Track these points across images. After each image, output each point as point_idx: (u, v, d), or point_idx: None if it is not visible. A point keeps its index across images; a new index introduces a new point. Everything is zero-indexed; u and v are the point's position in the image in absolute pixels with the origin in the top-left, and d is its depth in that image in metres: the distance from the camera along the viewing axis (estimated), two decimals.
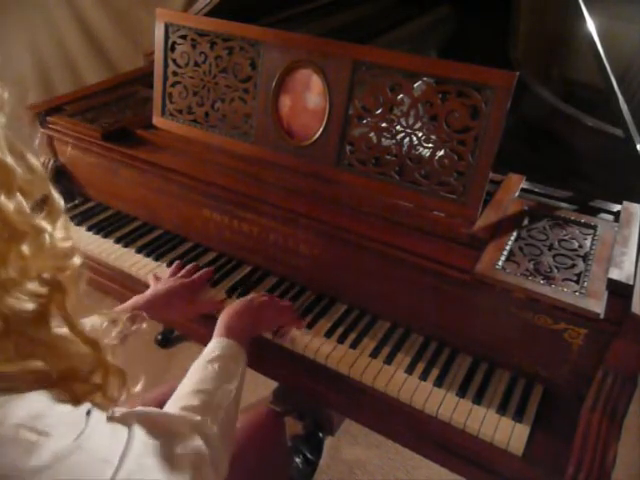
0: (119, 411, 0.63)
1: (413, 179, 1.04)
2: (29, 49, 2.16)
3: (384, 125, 1.05)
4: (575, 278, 0.89)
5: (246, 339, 0.94)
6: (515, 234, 0.98)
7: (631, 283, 0.86)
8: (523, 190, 1.12)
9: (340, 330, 1.07)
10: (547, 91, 1.53)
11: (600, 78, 1.14)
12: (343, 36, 1.15)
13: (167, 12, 1.25)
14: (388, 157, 1.06)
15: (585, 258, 0.93)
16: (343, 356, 1.02)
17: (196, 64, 1.23)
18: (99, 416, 0.58)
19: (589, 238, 0.98)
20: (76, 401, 0.56)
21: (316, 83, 1.09)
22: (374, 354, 1.02)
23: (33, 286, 0.50)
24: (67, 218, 0.56)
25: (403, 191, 1.05)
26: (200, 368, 0.84)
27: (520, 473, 0.86)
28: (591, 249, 0.95)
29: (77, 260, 0.56)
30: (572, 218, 1.02)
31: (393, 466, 1.68)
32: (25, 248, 0.49)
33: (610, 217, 1.07)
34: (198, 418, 0.73)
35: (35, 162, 0.52)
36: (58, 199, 0.55)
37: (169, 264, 1.23)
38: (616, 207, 1.08)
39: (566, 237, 0.98)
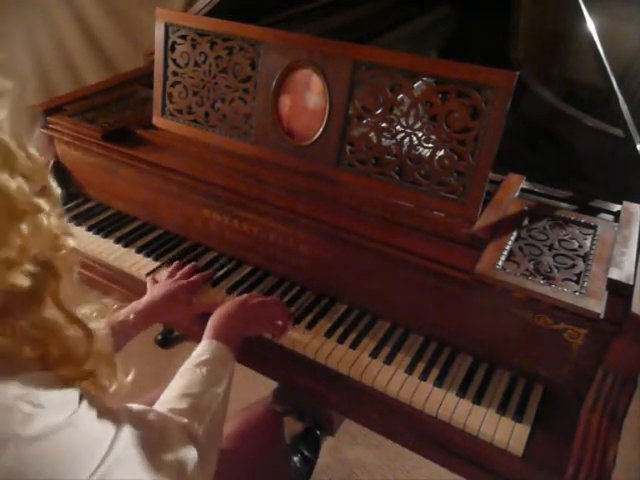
0: (112, 406, 0.64)
1: (413, 179, 1.04)
2: (29, 49, 2.16)
3: (384, 125, 1.05)
4: (575, 278, 0.89)
5: (235, 342, 0.94)
6: (515, 234, 0.98)
7: (631, 283, 0.86)
8: (523, 190, 1.12)
9: (340, 330, 1.07)
10: (547, 91, 1.53)
11: (600, 78, 1.14)
12: (343, 36, 1.16)
13: (167, 12, 1.25)
14: (388, 157, 1.06)
15: (585, 258, 0.93)
16: (343, 356, 1.02)
17: (196, 64, 1.23)
18: (89, 404, 0.59)
19: (589, 238, 0.98)
20: (68, 385, 0.57)
21: (316, 83, 1.09)
22: (374, 354, 1.02)
23: (30, 266, 0.52)
24: (62, 209, 0.58)
25: (403, 191, 1.05)
26: (188, 371, 0.85)
27: (520, 473, 0.86)
28: (591, 249, 0.95)
29: (71, 242, 0.58)
30: (572, 218, 1.02)
31: (393, 466, 1.68)
32: (24, 227, 0.51)
33: (610, 217, 1.07)
34: (186, 421, 0.74)
35: (35, 152, 0.54)
36: (55, 188, 0.57)
37: (169, 264, 1.23)
38: (616, 207, 1.08)
39: (566, 237, 0.98)
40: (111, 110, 1.42)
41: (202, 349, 0.90)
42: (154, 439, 0.65)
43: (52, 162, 1.44)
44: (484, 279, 0.89)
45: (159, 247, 1.29)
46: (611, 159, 1.24)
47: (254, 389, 1.60)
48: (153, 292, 1.09)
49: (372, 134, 1.06)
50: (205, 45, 1.21)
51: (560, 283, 0.87)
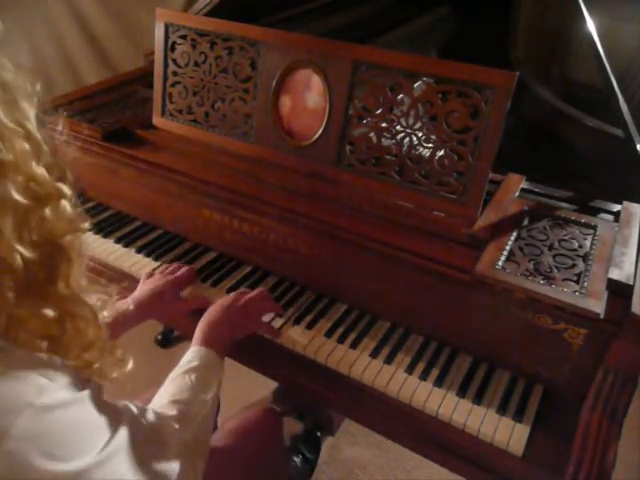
0: (115, 403, 0.65)
1: (413, 179, 1.04)
2: (29, 49, 2.16)
3: (384, 125, 1.05)
4: (575, 278, 0.89)
5: (224, 347, 0.96)
6: (515, 234, 0.98)
7: (631, 283, 0.86)
8: (523, 190, 1.12)
9: (340, 330, 1.07)
10: (547, 91, 1.53)
11: (600, 78, 1.14)
12: (343, 36, 1.16)
13: (167, 12, 1.25)
14: (388, 157, 1.06)
15: (585, 258, 0.93)
16: (343, 356, 1.02)
17: (196, 64, 1.23)
18: (94, 395, 0.61)
19: (589, 238, 0.98)
20: (75, 371, 0.60)
21: (316, 83, 1.09)
22: (374, 354, 1.02)
23: (48, 247, 0.56)
24: (76, 200, 0.62)
25: (403, 191, 1.05)
26: (178, 378, 0.86)
27: (520, 473, 0.86)
28: (591, 249, 0.95)
29: (86, 225, 0.63)
30: (572, 218, 1.02)
31: (393, 466, 1.68)
32: (48, 211, 0.55)
33: (610, 217, 1.07)
34: (176, 426, 0.75)
35: (53, 149, 0.59)
36: (71, 179, 0.61)
37: (169, 264, 1.23)
38: (616, 207, 1.08)
39: (566, 237, 0.98)
40: (111, 110, 1.42)
41: (191, 356, 0.91)
42: (148, 444, 0.66)
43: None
44: (484, 279, 0.89)
45: (159, 247, 1.29)
46: (611, 159, 1.24)
47: (254, 389, 1.60)
48: (142, 288, 1.09)
49: (372, 134, 1.06)
50: (205, 45, 1.21)
51: (560, 283, 0.87)
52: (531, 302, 0.88)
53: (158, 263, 1.24)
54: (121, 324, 1.00)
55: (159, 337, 2.06)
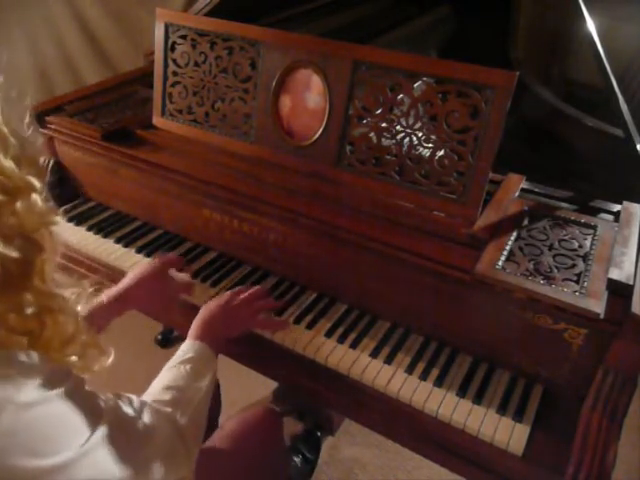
0: (101, 397, 0.65)
1: (413, 179, 1.04)
2: (29, 49, 2.16)
3: (384, 125, 1.05)
4: (575, 278, 0.89)
5: (218, 343, 0.97)
6: (515, 234, 0.98)
7: (631, 283, 0.86)
8: (523, 190, 1.12)
9: (340, 330, 1.07)
10: (547, 91, 1.53)
11: (600, 78, 1.14)
12: (343, 36, 1.15)
13: (167, 12, 1.25)
14: (388, 157, 1.06)
15: (585, 258, 0.93)
16: (343, 356, 1.02)
17: (196, 64, 1.23)
18: (75, 392, 0.60)
19: (589, 238, 0.98)
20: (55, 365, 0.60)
21: (316, 83, 1.09)
22: (374, 354, 1.02)
23: (21, 241, 0.55)
24: (47, 194, 0.61)
25: (403, 191, 1.05)
26: (172, 368, 0.88)
27: (520, 473, 0.86)
28: (591, 249, 0.95)
29: (58, 219, 0.62)
30: (572, 218, 1.02)
31: (393, 466, 1.68)
32: (19, 204, 0.55)
33: (610, 217, 1.07)
34: (169, 410, 0.77)
35: (27, 142, 0.58)
36: (43, 173, 0.60)
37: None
38: (616, 207, 1.08)
39: (566, 237, 0.98)
40: (111, 110, 1.42)
41: (186, 348, 0.93)
42: (133, 436, 0.67)
43: (52, 162, 1.44)
44: (484, 279, 0.89)
45: (159, 247, 1.29)
46: (611, 159, 1.24)
47: (254, 389, 1.60)
48: (128, 276, 1.07)
49: (372, 134, 1.06)
50: (205, 45, 1.21)
51: (560, 283, 0.87)
52: (531, 302, 0.88)
53: None
54: (105, 311, 0.99)
55: (159, 337, 2.06)
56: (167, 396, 0.80)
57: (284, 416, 1.28)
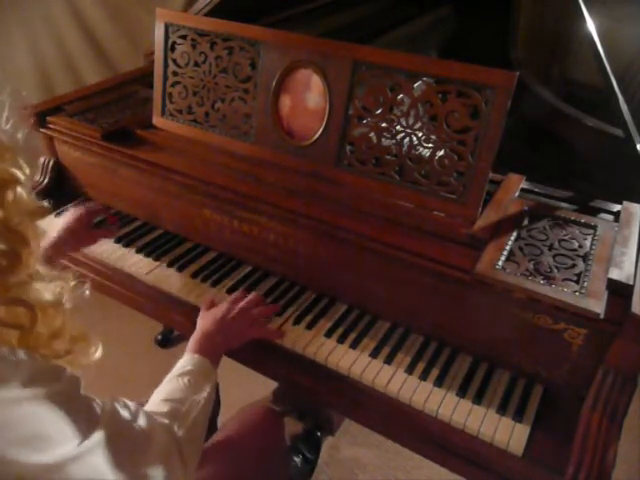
0: (97, 401, 0.64)
1: (413, 179, 1.04)
2: (29, 49, 2.16)
3: (384, 125, 1.05)
4: (575, 278, 0.89)
5: (217, 356, 0.98)
6: (515, 234, 0.98)
7: (631, 283, 0.86)
8: (523, 190, 1.12)
9: (340, 330, 1.07)
10: (547, 91, 1.53)
11: (600, 78, 1.14)
12: (343, 36, 1.15)
13: (167, 12, 1.25)
14: (388, 157, 1.06)
15: (585, 258, 0.93)
16: (343, 356, 1.02)
17: (196, 64, 1.23)
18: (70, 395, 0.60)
19: (589, 238, 0.98)
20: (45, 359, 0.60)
21: (316, 83, 1.09)
22: (374, 354, 1.02)
23: (7, 234, 0.56)
24: (30, 187, 0.61)
25: (403, 191, 1.05)
26: (171, 381, 0.88)
27: (520, 473, 0.86)
28: (591, 249, 0.95)
29: (44, 211, 0.63)
30: (572, 218, 1.02)
31: (393, 466, 1.68)
32: (5, 197, 0.55)
33: (610, 217, 1.07)
34: (166, 421, 0.76)
35: (4, 137, 0.58)
36: (25, 166, 0.60)
37: (169, 264, 1.23)
38: (616, 207, 1.08)
39: (566, 237, 0.98)
40: (111, 110, 1.42)
41: (185, 362, 0.93)
42: (130, 444, 0.67)
43: (52, 162, 1.44)
44: (484, 279, 0.89)
45: (159, 247, 1.29)
46: (611, 159, 1.24)
47: (254, 389, 1.60)
48: (59, 225, 1.15)
49: (372, 134, 1.06)
50: (205, 45, 1.21)
51: (560, 283, 0.87)
52: (531, 302, 0.88)
53: (158, 263, 1.24)
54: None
55: (159, 337, 2.06)
56: (165, 408, 0.80)
57: (284, 416, 1.28)
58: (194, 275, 1.20)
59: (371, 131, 1.06)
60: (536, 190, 1.13)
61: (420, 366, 1.00)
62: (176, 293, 1.18)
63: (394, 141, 1.05)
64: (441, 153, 1.01)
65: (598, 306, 0.82)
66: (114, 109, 1.43)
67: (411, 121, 1.03)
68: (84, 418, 0.60)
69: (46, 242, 1.08)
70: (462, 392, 0.95)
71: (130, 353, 1.79)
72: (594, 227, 1.00)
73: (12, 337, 0.57)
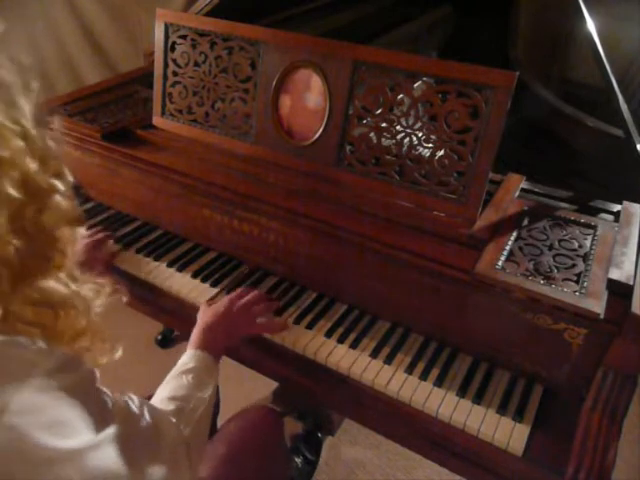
0: (110, 395, 0.65)
1: (413, 179, 1.04)
2: (29, 49, 2.16)
3: (384, 125, 1.05)
4: (575, 278, 0.89)
5: (219, 352, 0.97)
6: (515, 234, 0.98)
7: (631, 283, 0.86)
8: (523, 190, 1.12)
9: (340, 330, 1.07)
10: (547, 91, 1.53)
11: (600, 78, 1.14)
12: (343, 36, 1.15)
13: (167, 12, 1.25)
14: (388, 157, 1.06)
15: (585, 258, 0.93)
16: (343, 356, 1.02)
17: (196, 64, 1.23)
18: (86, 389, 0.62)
19: (589, 238, 0.98)
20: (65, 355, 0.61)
21: (316, 83, 1.09)
22: (374, 354, 1.02)
23: (43, 239, 0.58)
24: (73, 193, 0.63)
25: (403, 191, 1.05)
26: (175, 379, 0.88)
27: (520, 473, 0.86)
28: (591, 249, 0.95)
29: (80, 218, 0.64)
30: (572, 218, 1.02)
31: (393, 466, 1.68)
32: (43, 204, 0.57)
33: (610, 217, 1.07)
34: (174, 420, 0.77)
35: (52, 143, 0.60)
36: (68, 174, 0.62)
37: (169, 264, 1.23)
38: (616, 207, 1.08)
39: (566, 237, 0.98)
40: (111, 110, 1.42)
41: (187, 358, 0.93)
42: (141, 440, 0.67)
43: None
44: (484, 279, 0.89)
45: (159, 247, 1.29)
46: (611, 159, 1.24)
47: (254, 389, 1.60)
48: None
49: (372, 134, 1.06)
50: (205, 45, 1.21)
51: (560, 283, 0.87)
52: (531, 302, 0.88)
53: (158, 263, 1.24)
54: None
55: (159, 337, 2.06)
56: (171, 406, 0.80)
57: (284, 416, 1.28)
58: (194, 275, 1.20)
59: (371, 131, 1.06)
60: (536, 190, 1.13)
61: (420, 366, 1.00)
62: (176, 293, 1.17)
63: (394, 141, 1.05)
64: (441, 153, 1.01)
65: (598, 306, 0.82)
66: (114, 109, 1.43)
67: (411, 121, 1.03)
68: (100, 410, 0.61)
69: None
70: (462, 392, 0.95)
71: (130, 353, 1.79)
72: (594, 227, 1.00)
73: (34, 333, 0.59)
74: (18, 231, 0.54)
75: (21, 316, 0.56)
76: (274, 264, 1.19)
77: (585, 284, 0.87)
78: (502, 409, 0.92)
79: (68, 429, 0.57)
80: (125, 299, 1.00)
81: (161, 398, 0.83)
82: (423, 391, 0.95)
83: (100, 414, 0.61)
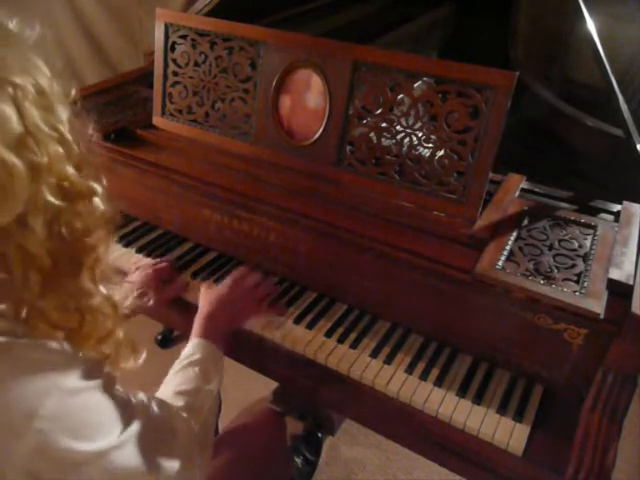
0: (129, 394, 0.67)
1: (413, 179, 1.04)
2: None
3: (384, 125, 1.05)
4: (575, 278, 0.89)
5: (223, 339, 0.97)
6: (515, 234, 0.98)
7: (631, 283, 0.86)
8: (523, 190, 1.12)
9: (340, 330, 1.07)
10: (547, 91, 1.53)
11: (600, 78, 1.14)
12: (343, 36, 1.16)
13: (167, 12, 1.25)
14: (388, 157, 1.06)
15: (585, 258, 0.93)
16: (343, 356, 1.02)
17: (196, 64, 1.23)
18: (110, 387, 0.63)
19: (589, 238, 0.98)
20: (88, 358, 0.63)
21: (316, 83, 1.09)
22: (374, 354, 1.02)
23: (76, 242, 0.58)
24: (108, 195, 0.64)
25: (403, 191, 1.05)
26: (181, 371, 0.88)
27: (520, 473, 0.86)
28: (591, 249, 0.95)
29: (113, 227, 0.65)
30: (572, 218, 1.02)
31: (393, 466, 1.68)
32: (81, 207, 0.58)
33: (610, 217, 1.07)
34: (185, 415, 0.77)
35: (84, 149, 0.61)
36: (102, 177, 0.63)
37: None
38: (616, 207, 1.08)
39: (566, 237, 0.98)
40: (111, 110, 1.42)
41: (192, 349, 0.92)
42: (159, 436, 0.69)
43: None
44: (484, 279, 0.89)
45: (159, 247, 1.29)
46: (611, 159, 1.24)
47: (254, 389, 1.60)
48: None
49: (372, 134, 1.06)
50: (205, 45, 1.21)
51: (560, 283, 0.87)
52: (531, 302, 0.88)
53: None
54: None
55: (159, 337, 2.06)
56: (180, 402, 0.80)
57: (284, 416, 1.28)
58: (194, 275, 1.20)
59: (371, 131, 1.06)
60: (536, 190, 1.13)
61: (420, 366, 1.00)
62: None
63: (394, 141, 1.05)
64: (441, 153, 1.01)
65: (598, 306, 0.82)
66: (114, 109, 1.42)
67: (411, 121, 1.03)
68: (123, 409, 0.63)
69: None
70: (462, 392, 0.95)
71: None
72: (594, 227, 1.00)
73: (58, 336, 0.59)
74: (53, 235, 0.55)
75: (46, 318, 0.57)
76: (274, 264, 1.19)
77: (585, 284, 0.87)
78: (502, 409, 0.92)
79: (94, 431, 0.59)
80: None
81: (169, 393, 0.82)
82: (423, 391, 0.95)
83: (124, 413, 0.62)
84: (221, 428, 1.14)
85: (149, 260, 1.22)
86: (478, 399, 0.94)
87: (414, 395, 0.95)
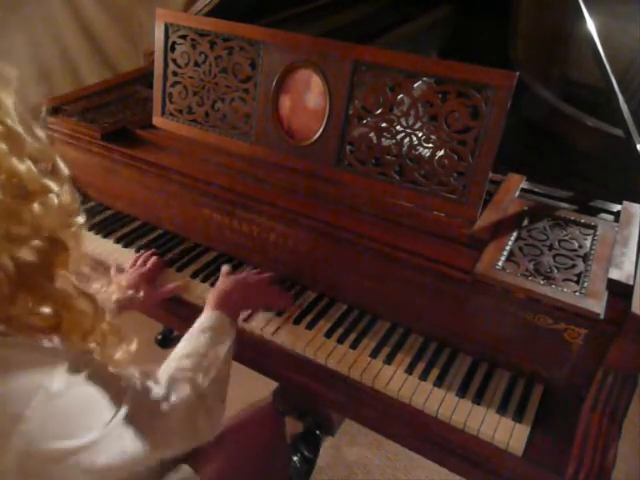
0: (121, 377, 0.67)
1: (413, 179, 1.04)
2: (29, 49, 2.15)
3: (384, 125, 1.05)
4: (575, 278, 0.89)
5: (235, 313, 1.01)
6: (515, 234, 0.98)
7: (631, 283, 0.86)
8: (523, 190, 1.12)
9: (340, 330, 1.07)
10: (547, 91, 1.53)
11: (600, 78, 1.14)
12: (343, 36, 1.15)
13: (167, 12, 1.25)
14: (388, 157, 1.06)
15: (585, 258, 0.93)
16: (343, 356, 1.02)
17: (196, 64, 1.23)
18: (97, 374, 0.63)
19: (589, 238, 0.98)
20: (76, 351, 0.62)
21: (316, 83, 1.09)
22: (374, 354, 1.02)
23: (39, 242, 0.56)
24: (72, 186, 0.61)
25: (403, 191, 1.05)
26: (192, 337, 0.91)
27: (520, 473, 0.86)
28: (591, 249, 0.95)
29: (80, 219, 0.62)
30: (572, 218, 1.02)
31: (393, 466, 1.68)
32: (36, 206, 0.55)
33: (610, 217, 1.07)
34: (190, 374, 0.80)
35: (41, 133, 0.58)
36: (63, 167, 0.60)
37: (169, 264, 1.23)
38: (616, 207, 1.08)
39: (566, 237, 0.98)
40: (111, 110, 1.42)
41: (204, 319, 0.96)
42: (150, 414, 0.69)
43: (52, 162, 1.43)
44: (484, 279, 0.89)
45: (159, 247, 1.29)
46: (611, 159, 1.24)
47: (254, 389, 1.60)
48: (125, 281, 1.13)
49: (372, 134, 1.06)
50: (205, 45, 1.21)
51: (560, 283, 0.87)
52: (531, 302, 0.88)
53: None
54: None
55: (159, 337, 2.06)
56: (187, 363, 0.83)
57: (284, 416, 1.28)
58: (194, 275, 1.20)
59: (371, 131, 1.06)
60: (536, 190, 1.13)
61: (420, 366, 1.00)
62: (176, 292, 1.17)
63: (394, 141, 1.05)
64: (441, 153, 1.01)
65: (598, 306, 0.82)
66: (114, 109, 1.42)
67: (411, 121, 1.03)
68: (114, 394, 0.63)
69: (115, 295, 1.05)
70: (462, 392, 0.95)
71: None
72: (594, 227, 1.00)
73: (39, 335, 0.59)
74: (13, 237, 0.52)
75: (22, 324, 0.56)
76: (274, 264, 1.19)
77: (585, 284, 0.87)
78: (502, 409, 0.92)
79: (83, 426, 0.59)
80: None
81: (178, 356, 0.85)
82: (423, 391, 0.95)
83: (113, 398, 0.62)
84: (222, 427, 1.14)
85: (141, 253, 1.24)
86: (478, 399, 0.94)
87: (414, 395, 0.95)
